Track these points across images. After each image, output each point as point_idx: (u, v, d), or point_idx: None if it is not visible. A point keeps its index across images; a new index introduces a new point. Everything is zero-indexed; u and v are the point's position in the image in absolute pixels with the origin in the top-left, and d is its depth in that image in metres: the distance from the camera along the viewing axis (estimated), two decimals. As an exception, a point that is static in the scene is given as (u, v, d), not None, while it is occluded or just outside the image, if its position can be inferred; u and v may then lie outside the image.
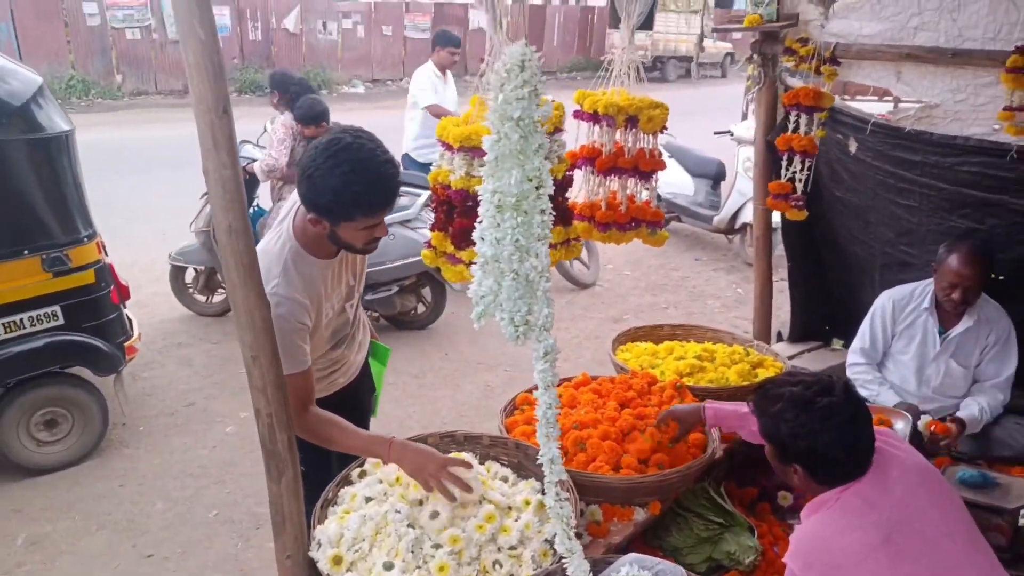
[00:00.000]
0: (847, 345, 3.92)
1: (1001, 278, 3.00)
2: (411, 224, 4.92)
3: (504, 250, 1.54)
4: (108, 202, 6.80)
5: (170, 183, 8.71)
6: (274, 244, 1.95)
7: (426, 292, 5.28)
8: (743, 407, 2.21)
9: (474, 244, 2.28)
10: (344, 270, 2.12)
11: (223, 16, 15.08)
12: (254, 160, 4.89)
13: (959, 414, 2.85)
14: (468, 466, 1.99)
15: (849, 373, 3.14)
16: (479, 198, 2.23)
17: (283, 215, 2.05)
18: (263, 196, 5.31)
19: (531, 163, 1.52)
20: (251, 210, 4.84)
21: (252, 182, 4.89)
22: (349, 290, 2.18)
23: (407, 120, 5.82)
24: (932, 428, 2.72)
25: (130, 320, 3.88)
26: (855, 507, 1.68)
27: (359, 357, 2.42)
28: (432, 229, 2.53)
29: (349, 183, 1.75)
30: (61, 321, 3.42)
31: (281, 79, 5.16)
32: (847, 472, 1.71)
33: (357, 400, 2.47)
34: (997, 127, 2.82)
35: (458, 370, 4.80)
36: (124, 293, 3.79)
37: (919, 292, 3.03)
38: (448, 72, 5.83)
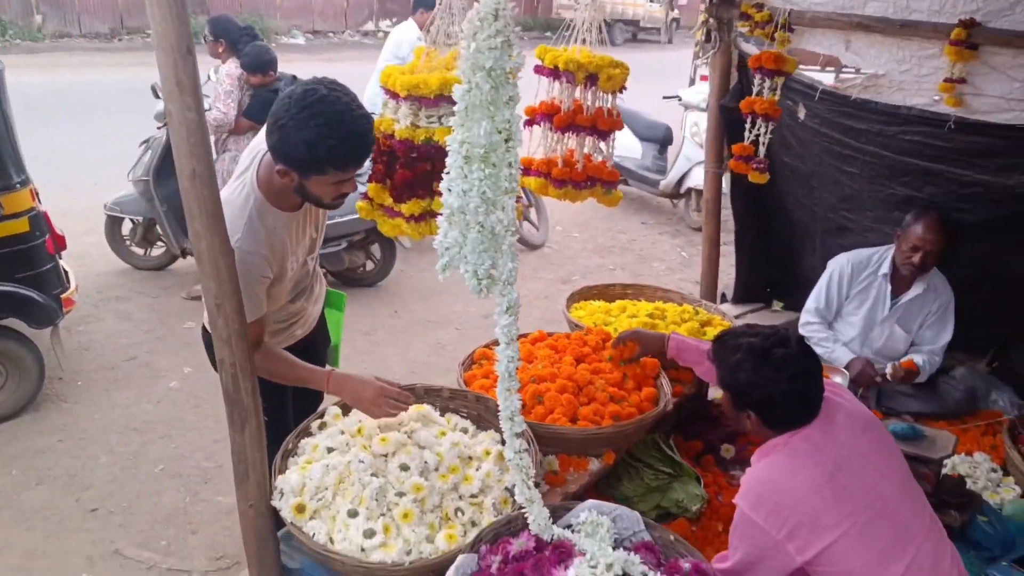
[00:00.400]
0: (787, 307, 4.10)
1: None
2: (361, 179, 4.82)
3: (470, 202, 1.54)
4: (34, 150, 6.45)
5: (100, 130, 8.33)
6: (237, 195, 1.90)
7: (375, 249, 5.23)
8: (705, 344, 2.30)
9: (415, 197, 2.30)
10: (307, 222, 2.09)
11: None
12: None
13: (912, 359, 3.03)
14: (404, 395, 2.05)
15: (803, 331, 3.26)
16: (424, 148, 2.23)
17: (244, 165, 1.98)
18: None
19: (501, 114, 1.52)
20: None
21: None
22: (312, 243, 2.16)
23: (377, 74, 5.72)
24: (901, 366, 2.96)
25: (66, 271, 3.73)
26: (803, 450, 1.78)
27: (316, 308, 2.40)
28: (370, 180, 2.40)
29: (323, 136, 1.69)
30: (-7, 271, 3.26)
31: (225, 26, 4.89)
32: (798, 419, 1.81)
33: (315, 350, 2.46)
34: (938, 98, 2.94)
35: (408, 328, 4.79)
36: (60, 243, 3.64)
37: (877, 258, 3.15)
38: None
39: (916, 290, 3.08)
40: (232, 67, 4.67)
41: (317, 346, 2.50)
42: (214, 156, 4.67)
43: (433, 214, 2.23)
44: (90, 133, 8.26)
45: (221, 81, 4.64)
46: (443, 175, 1.58)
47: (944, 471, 2.58)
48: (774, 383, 1.78)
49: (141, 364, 4.10)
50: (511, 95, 1.52)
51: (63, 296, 3.57)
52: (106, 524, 2.95)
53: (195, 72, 1.49)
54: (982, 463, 2.83)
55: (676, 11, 23.65)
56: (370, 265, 5.32)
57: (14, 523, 2.90)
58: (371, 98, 5.69)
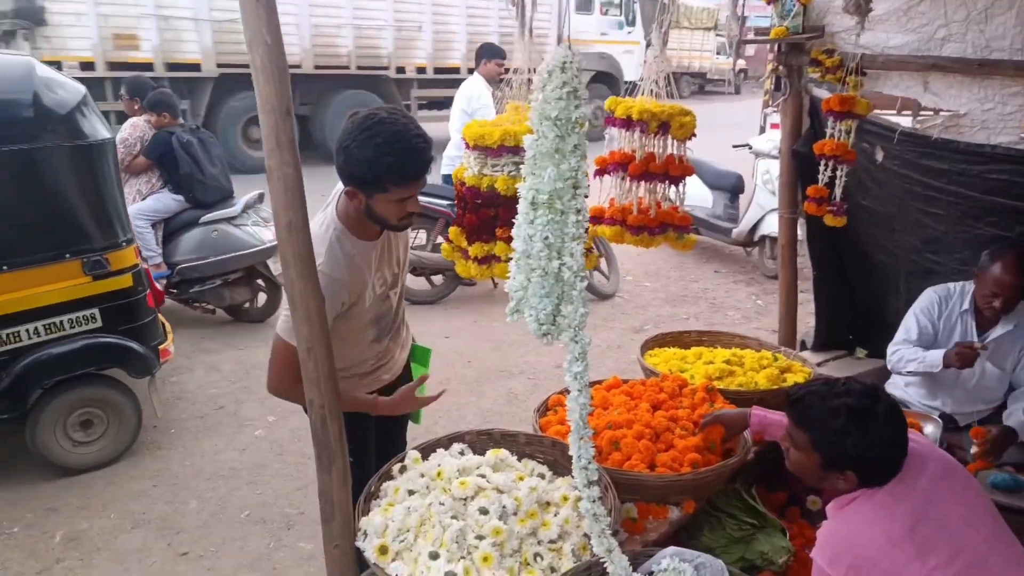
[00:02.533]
0: (870, 354, 3.95)
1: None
2: (234, 221, 5.22)
3: (534, 247, 1.58)
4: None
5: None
6: (319, 227, 2.04)
7: (264, 286, 5.53)
8: None
9: (479, 240, 2.41)
10: (389, 255, 2.21)
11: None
12: None
13: (1008, 422, 2.83)
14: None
15: (891, 362, 3.11)
16: (487, 194, 2.35)
17: (326, 203, 2.14)
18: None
19: (567, 162, 1.57)
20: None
21: None
22: (393, 277, 2.26)
23: (452, 131, 5.99)
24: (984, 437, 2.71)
25: (164, 324, 3.96)
26: (880, 501, 1.71)
27: (403, 355, 2.48)
28: (453, 225, 2.62)
29: (382, 154, 1.84)
30: (99, 324, 3.49)
31: (140, 85, 5.45)
32: (897, 468, 1.74)
33: None
34: (1024, 136, 2.86)
35: (481, 377, 4.84)
36: (159, 297, 3.88)
37: (958, 293, 3.05)
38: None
39: (1005, 327, 2.94)
40: (139, 119, 5.17)
41: None
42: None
43: (495, 258, 2.35)
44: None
45: (124, 129, 5.12)
46: (513, 221, 1.64)
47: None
48: (883, 441, 1.72)
49: (228, 413, 4.27)
50: (576, 143, 1.57)
51: (160, 347, 3.78)
52: (196, 568, 3.05)
53: (292, 131, 1.61)
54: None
55: (743, 61, 23.70)
56: (261, 300, 5.62)
57: (111, 564, 3.04)
58: (449, 156, 5.92)
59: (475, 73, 6.04)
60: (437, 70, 11.98)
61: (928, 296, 3.11)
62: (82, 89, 3.51)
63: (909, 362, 3.00)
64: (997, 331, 2.96)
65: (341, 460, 1.84)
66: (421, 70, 11.88)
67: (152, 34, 9.41)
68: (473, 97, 5.84)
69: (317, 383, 1.76)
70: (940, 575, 1.61)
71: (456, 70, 11.97)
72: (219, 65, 9.91)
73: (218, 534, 3.24)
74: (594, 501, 1.73)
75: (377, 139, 1.85)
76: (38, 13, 8.46)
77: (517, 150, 2.29)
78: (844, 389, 1.80)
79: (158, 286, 3.88)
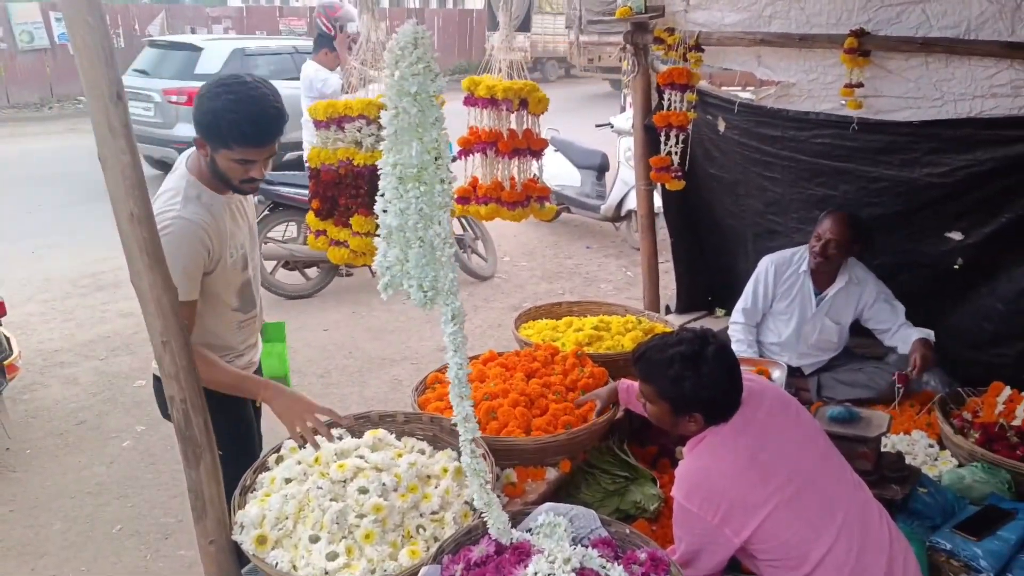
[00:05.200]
0: (729, 312, 4.24)
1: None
2: None
3: (409, 219, 1.61)
4: (-33, 221, 6.35)
5: (33, 199, 8.19)
6: (169, 185, 2.03)
7: None
8: None
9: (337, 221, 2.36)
10: (239, 221, 2.16)
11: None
12: None
13: (914, 340, 3.08)
14: (335, 415, 2.10)
15: (730, 330, 3.41)
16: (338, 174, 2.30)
17: (176, 164, 2.11)
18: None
19: (429, 135, 1.61)
20: None
21: None
22: (247, 248, 2.20)
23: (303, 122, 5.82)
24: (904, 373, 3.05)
25: (7, 338, 3.66)
26: (725, 436, 1.89)
27: (260, 342, 2.42)
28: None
29: (229, 109, 1.86)
30: (-70, 342, 3.20)
31: None
32: (736, 404, 1.91)
33: None
34: (844, 102, 3.15)
35: (363, 367, 4.80)
36: (0, 310, 3.58)
37: (797, 257, 3.31)
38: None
39: (839, 283, 3.23)
40: None
41: None
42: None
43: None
44: (25, 202, 8.12)
45: None
46: (377, 197, 1.66)
47: (884, 450, 2.70)
48: (717, 379, 1.87)
49: (91, 427, 4.02)
50: (437, 116, 1.61)
51: (6, 363, 3.50)
52: (64, 591, 2.87)
53: (126, 117, 1.54)
54: (919, 440, 2.97)
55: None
56: None
57: (-34, 599, 2.81)
58: (308, 142, 5.77)
59: (309, 60, 5.84)
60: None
61: (763, 264, 3.37)
62: None
63: (734, 343, 3.33)
64: (833, 288, 3.25)
65: (209, 453, 1.79)
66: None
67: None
68: (312, 80, 5.68)
69: (176, 377, 1.71)
70: (780, 495, 1.79)
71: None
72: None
73: (88, 553, 3.06)
74: (474, 456, 1.79)
75: (231, 95, 1.87)
76: None
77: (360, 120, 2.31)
78: (677, 339, 1.96)
79: (-2, 297, 3.57)
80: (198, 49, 9.24)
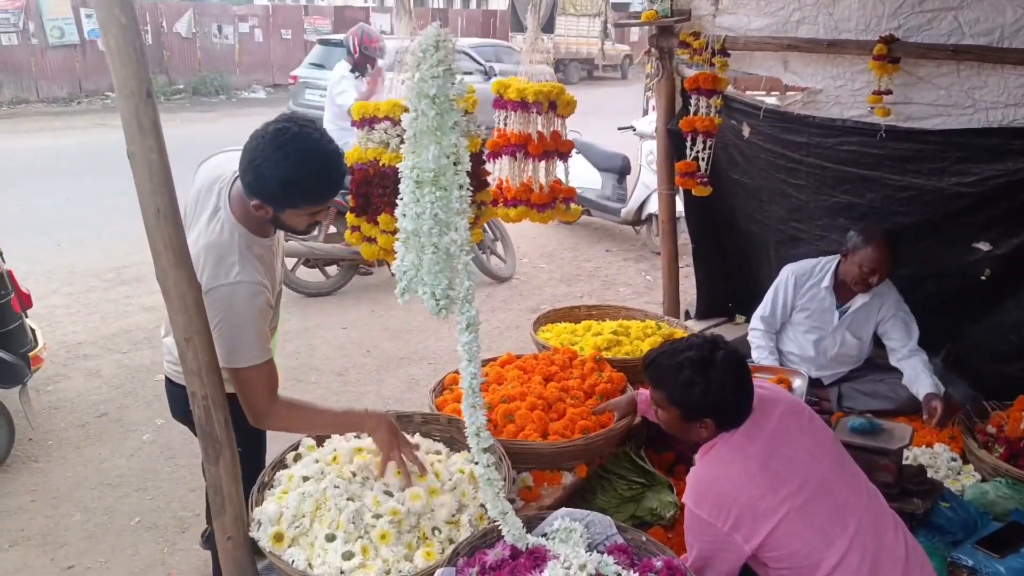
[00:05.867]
0: (749, 320, 4.20)
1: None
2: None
3: (424, 224, 1.61)
4: (-4, 213, 6.46)
5: (62, 192, 8.31)
6: (219, 233, 1.88)
7: None
8: None
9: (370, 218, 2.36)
10: (279, 252, 2.13)
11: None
12: None
13: (927, 392, 2.99)
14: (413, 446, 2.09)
15: (749, 336, 3.37)
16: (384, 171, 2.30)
17: (211, 205, 1.94)
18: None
19: (448, 139, 1.60)
20: None
21: None
22: (283, 271, 2.20)
23: (327, 122, 5.98)
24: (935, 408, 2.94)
25: (33, 330, 3.71)
26: (736, 443, 1.87)
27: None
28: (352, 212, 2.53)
29: (297, 173, 1.74)
30: (-42, 332, 3.25)
31: None
32: (746, 410, 1.89)
33: None
34: (871, 109, 3.11)
35: (381, 366, 4.82)
36: (26, 301, 3.62)
37: (819, 269, 3.21)
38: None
39: (862, 299, 3.14)
40: None
41: None
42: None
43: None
44: (52, 196, 8.24)
45: None
46: (398, 200, 1.66)
47: (906, 463, 2.67)
48: (726, 385, 1.86)
49: (112, 420, 4.06)
50: (456, 120, 1.60)
51: (31, 354, 3.55)
52: (83, 581, 2.91)
53: (155, 115, 1.56)
54: (942, 453, 2.92)
55: (627, 47, 24.36)
56: None
57: (-13, 586, 2.85)
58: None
59: (344, 60, 6.26)
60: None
61: (784, 274, 3.29)
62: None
63: (754, 349, 3.28)
64: (855, 304, 3.18)
65: (228, 450, 1.80)
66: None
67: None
68: (335, 86, 6.10)
69: (199, 373, 1.72)
70: (790, 504, 1.77)
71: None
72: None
73: (106, 544, 3.10)
74: (488, 466, 1.79)
75: (291, 158, 1.73)
76: None
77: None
78: (687, 344, 1.95)
79: (24, 289, 3.61)
80: None
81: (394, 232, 2.25)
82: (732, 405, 1.89)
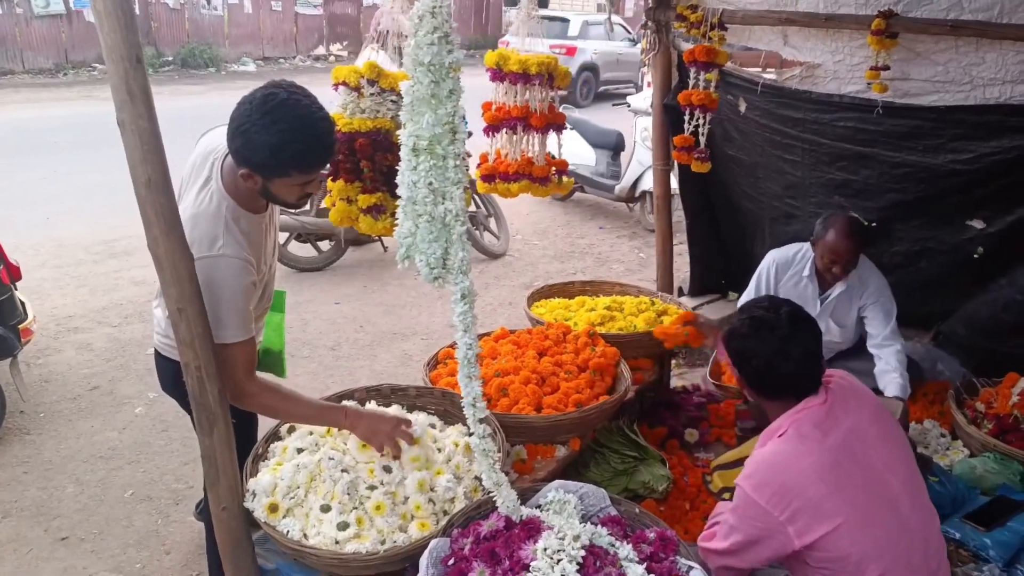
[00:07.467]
0: (742, 297, 4.21)
1: (873, 224, 3.29)
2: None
3: (419, 192, 1.60)
4: (-18, 185, 6.37)
5: (49, 165, 8.21)
6: (208, 204, 1.85)
7: None
8: None
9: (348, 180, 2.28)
10: (270, 224, 2.08)
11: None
12: None
13: (892, 395, 2.84)
14: (406, 423, 2.06)
15: None
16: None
17: (204, 174, 1.92)
18: None
19: (443, 107, 1.58)
20: None
21: None
22: (275, 245, 2.17)
23: None
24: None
25: (23, 302, 3.68)
26: (810, 435, 1.75)
27: (260, 336, 2.31)
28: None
29: (287, 141, 1.70)
30: (-54, 304, 3.22)
31: None
32: (798, 384, 1.83)
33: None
34: (869, 84, 3.09)
35: (374, 341, 4.81)
36: (15, 273, 3.59)
37: (800, 257, 3.12)
38: None
39: (842, 285, 3.04)
40: None
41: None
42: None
43: (381, 208, 2.23)
44: (38, 168, 8.14)
45: None
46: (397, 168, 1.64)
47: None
48: (780, 349, 1.81)
49: (104, 392, 4.05)
50: (452, 88, 1.58)
51: (21, 327, 3.52)
52: (77, 552, 2.91)
53: (145, 81, 1.53)
54: (931, 429, 2.96)
55: (619, 17, 24.13)
56: None
57: (-20, 557, 2.85)
58: None
59: None
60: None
61: (766, 261, 3.19)
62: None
63: None
64: (836, 290, 3.08)
65: (223, 421, 1.80)
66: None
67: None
68: None
69: (191, 344, 1.71)
70: (854, 509, 1.68)
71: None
72: None
73: (100, 516, 3.10)
74: (483, 437, 1.79)
75: (280, 124, 1.68)
76: None
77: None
78: (765, 304, 1.92)
79: (12, 261, 3.58)
80: (566, 20, 15.10)
81: (349, 200, 2.21)
82: (789, 371, 1.82)
